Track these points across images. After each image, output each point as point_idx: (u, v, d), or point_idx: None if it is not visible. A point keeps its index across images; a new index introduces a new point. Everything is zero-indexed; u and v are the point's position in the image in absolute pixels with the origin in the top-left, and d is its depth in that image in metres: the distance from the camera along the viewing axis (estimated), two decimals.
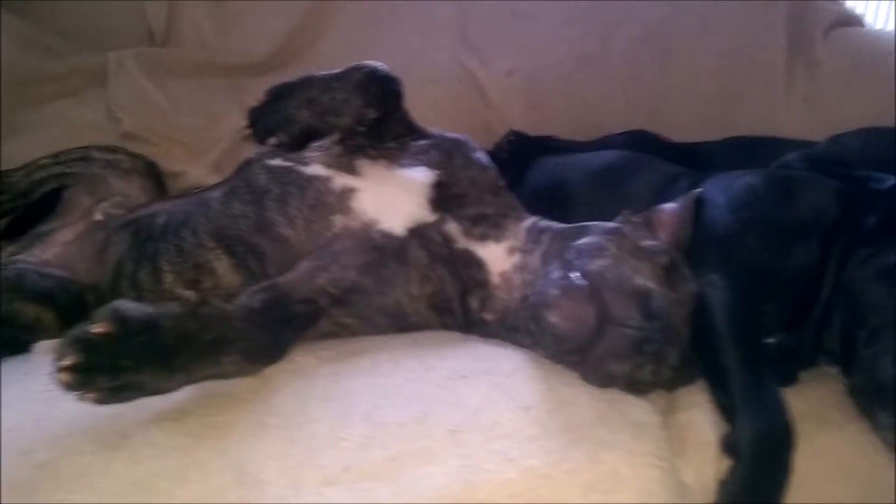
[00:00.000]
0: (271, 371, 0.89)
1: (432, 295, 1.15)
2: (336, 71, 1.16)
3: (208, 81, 2.07)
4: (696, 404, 1.02)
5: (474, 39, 2.03)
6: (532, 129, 1.97)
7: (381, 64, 1.17)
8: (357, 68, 1.16)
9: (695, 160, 1.79)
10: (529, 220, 1.26)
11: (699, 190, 1.31)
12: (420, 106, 1.95)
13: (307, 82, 1.17)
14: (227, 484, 0.71)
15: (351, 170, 1.20)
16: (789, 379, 1.13)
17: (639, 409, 0.92)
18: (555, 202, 1.49)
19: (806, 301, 1.15)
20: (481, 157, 1.31)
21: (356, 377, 0.89)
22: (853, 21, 2.17)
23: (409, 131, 1.29)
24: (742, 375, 1.01)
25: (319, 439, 0.76)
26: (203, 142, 1.84)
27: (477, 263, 1.18)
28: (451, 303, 1.17)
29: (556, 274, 1.03)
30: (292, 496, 0.68)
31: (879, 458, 0.99)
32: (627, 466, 0.79)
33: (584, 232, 1.15)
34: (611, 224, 1.16)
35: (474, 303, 1.17)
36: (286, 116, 1.16)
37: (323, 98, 1.16)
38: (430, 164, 1.23)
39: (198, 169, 1.77)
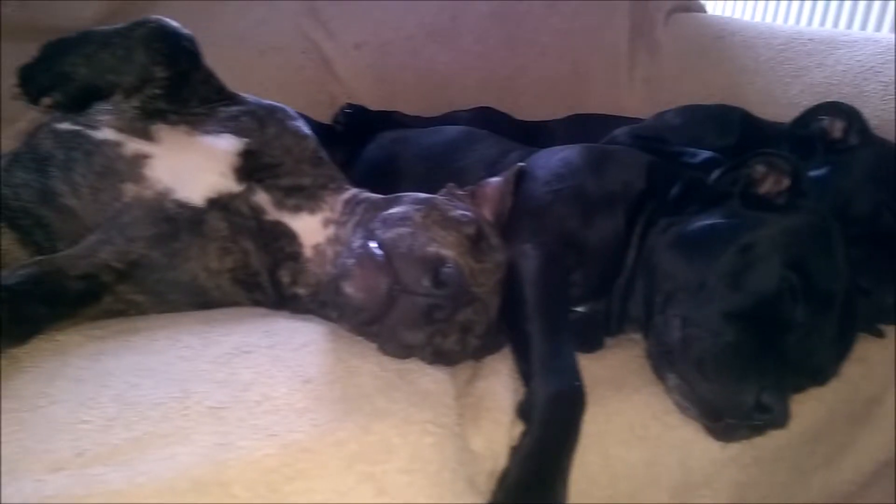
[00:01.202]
0: (24, 350, 0.81)
1: (235, 269, 1.09)
2: (119, 25, 1.07)
3: (28, 45, 1.89)
4: (497, 372, 1.02)
5: (321, 10, 1.96)
6: (380, 104, 1.94)
7: (169, 19, 1.09)
8: (141, 23, 1.07)
9: (538, 137, 1.82)
10: (349, 192, 1.22)
11: (521, 164, 1.32)
12: (261, 77, 1.89)
13: (85, 37, 1.07)
14: None
15: (146, 135, 1.11)
16: (595, 345, 1.17)
17: (428, 379, 0.90)
18: (387, 177, 1.46)
19: (612, 270, 1.18)
20: (299, 126, 1.25)
21: (122, 356, 0.82)
22: (693, 7, 2.28)
23: (218, 96, 1.21)
24: (542, 342, 1.02)
25: (55, 422, 0.69)
26: (13, 108, 1.66)
27: (288, 236, 1.13)
28: (258, 277, 1.12)
29: (356, 244, 0.99)
30: (6, 485, 0.61)
31: (670, 419, 1.02)
32: (399, 435, 0.77)
33: (396, 202, 1.13)
34: (423, 195, 1.14)
35: (285, 277, 1.12)
36: (61, 73, 1.06)
37: (102, 54, 1.07)
38: (237, 132, 1.16)
39: (5, 139, 1.60)
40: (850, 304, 1.05)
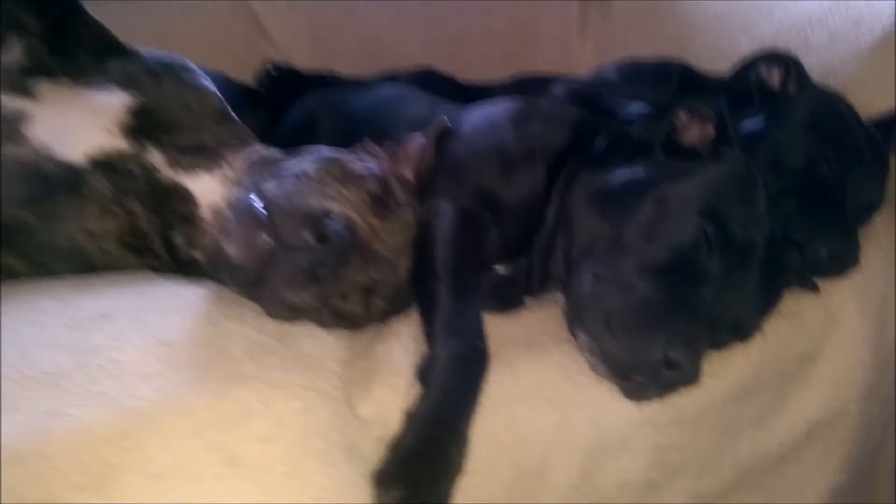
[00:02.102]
0: None
1: (120, 232, 1.03)
2: None
3: None
4: (397, 334, 0.96)
5: None
6: (316, 65, 1.85)
7: None
8: None
9: (482, 100, 1.74)
10: (254, 150, 1.15)
11: (443, 119, 1.25)
12: (183, 37, 1.80)
13: None
14: None
15: (25, 91, 1.03)
16: (514, 306, 1.11)
17: (312, 342, 0.84)
18: (310, 139, 1.39)
19: (531, 228, 1.11)
20: (200, 80, 1.18)
21: None
22: None
23: (109, 49, 1.13)
24: (447, 302, 0.96)
25: None
26: None
27: (182, 196, 1.06)
28: (148, 241, 1.05)
29: (238, 199, 0.93)
30: None
31: (582, 380, 0.96)
32: (261, 400, 0.71)
33: (296, 157, 1.06)
34: (328, 150, 1.08)
35: (179, 240, 1.05)
36: None
37: None
38: (129, 87, 1.09)
39: None
40: (774, 256, 1.00)
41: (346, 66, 1.89)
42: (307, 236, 0.85)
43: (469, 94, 1.80)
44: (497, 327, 1.03)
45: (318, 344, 0.85)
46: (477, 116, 1.29)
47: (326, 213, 0.88)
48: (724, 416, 1.04)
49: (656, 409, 0.98)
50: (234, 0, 1.81)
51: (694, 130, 1.05)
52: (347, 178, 1.01)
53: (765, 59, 1.27)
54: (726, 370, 1.02)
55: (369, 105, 1.50)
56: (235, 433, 0.68)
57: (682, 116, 1.05)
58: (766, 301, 0.99)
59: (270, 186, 0.92)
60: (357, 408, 0.84)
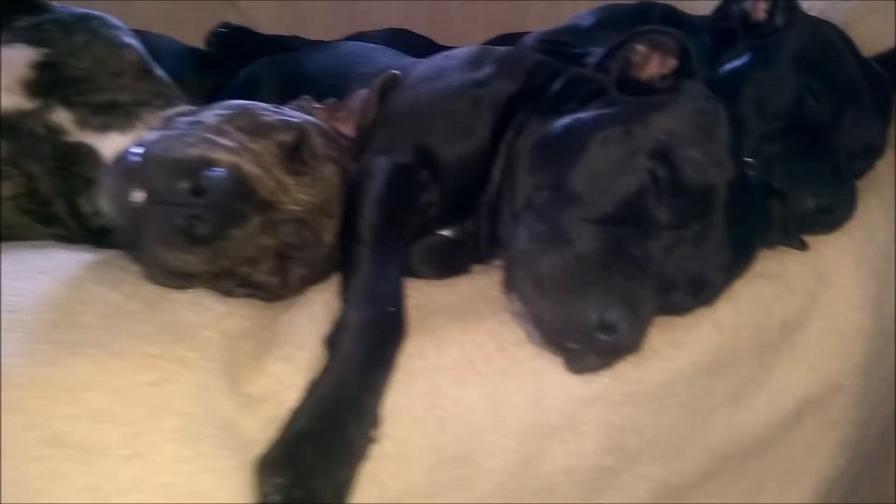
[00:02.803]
0: None
1: (18, 196, 0.94)
2: None
3: None
4: (309, 302, 0.86)
5: None
6: (285, 31, 1.75)
7: None
8: None
9: None
10: (176, 109, 1.05)
11: (391, 71, 1.14)
12: (147, 9, 1.72)
13: None
14: None
15: None
16: (459, 272, 0.99)
17: (193, 310, 0.74)
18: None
19: (476, 186, 0.99)
20: (116, 34, 1.09)
21: None
22: None
23: (23, 6, 1.05)
24: (366, 265, 0.85)
25: None
26: None
27: (90, 158, 0.97)
28: (51, 207, 0.97)
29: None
30: None
31: (521, 351, 0.84)
32: (99, 372, 0.61)
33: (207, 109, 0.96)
34: (238, 101, 0.97)
35: (86, 206, 0.97)
36: None
37: None
38: (33, 42, 1.00)
39: None
40: (749, 206, 0.85)
41: (316, 32, 1.79)
42: (182, 188, 0.75)
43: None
44: (429, 295, 0.91)
45: (199, 311, 0.74)
46: (427, 64, 1.17)
47: (207, 162, 0.77)
48: (691, 393, 0.90)
49: (608, 384, 0.85)
50: None
51: (655, 63, 0.92)
52: (256, 129, 0.90)
53: None
54: (692, 339, 0.88)
55: (325, 64, 1.39)
56: (62, 409, 0.58)
57: (639, 48, 0.92)
58: (736, 258, 0.84)
59: (152, 136, 0.82)
60: (244, 384, 0.74)
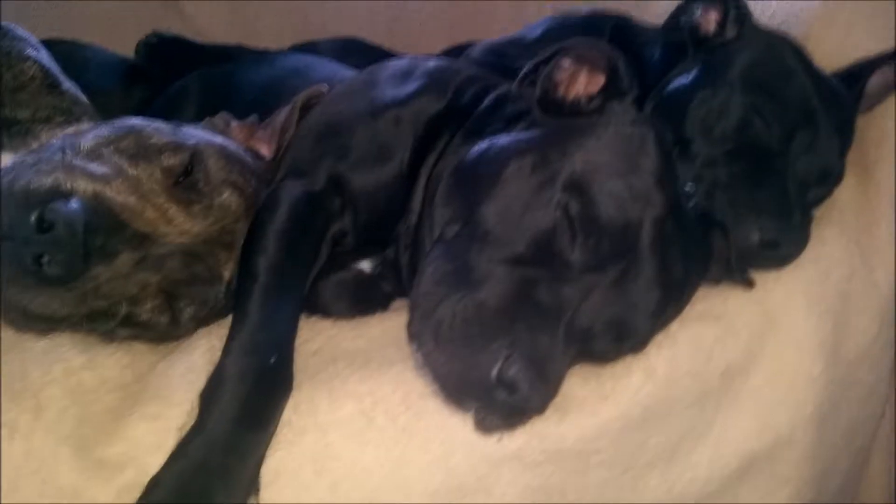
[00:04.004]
0: None
1: None
2: None
3: None
4: (191, 349, 0.77)
5: None
6: (234, 39, 1.66)
7: None
8: None
9: None
10: (77, 127, 0.97)
11: (316, 86, 1.05)
12: (81, 11, 1.64)
13: None
14: None
15: None
16: (376, 309, 0.90)
17: (41, 361, 0.66)
18: (171, 116, 1.20)
19: (394, 213, 0.91)
20: (20, 48, 1.01)
21: None
22: None
23: None
24: (256, 308, 0.77)
25: None
26: None
27: None
28: None
29: None
30: None
31: (427, 404, 0.75)
32: None
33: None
34: (136, 119, 0.89)
35: None
36: None
37: None
38: None
39: None
40: (677, 241, 0.76)
41: (267, 39, 1.70)
42: (28, 223, 0.66)
43: None
44: (331, 338, 0.83)
45: (48, 364, 0.66)
46: (352, 78, 1.09)
47: (60, 193, 0.68)
48: (620, 449, 0.81)
49: (525, 442, 0.76)
50: None
51: (581, 81, 0.83)
52: (140, 152, 0.82)
53: None
54: (620, 389, 0.79)
55: (257, 78, 1.30)
56: None
57: (566, 64, 0.83)
58: (665, 300, 0.75)
59: (9, 163, 0.73)
60: (98, 448, 0.65)
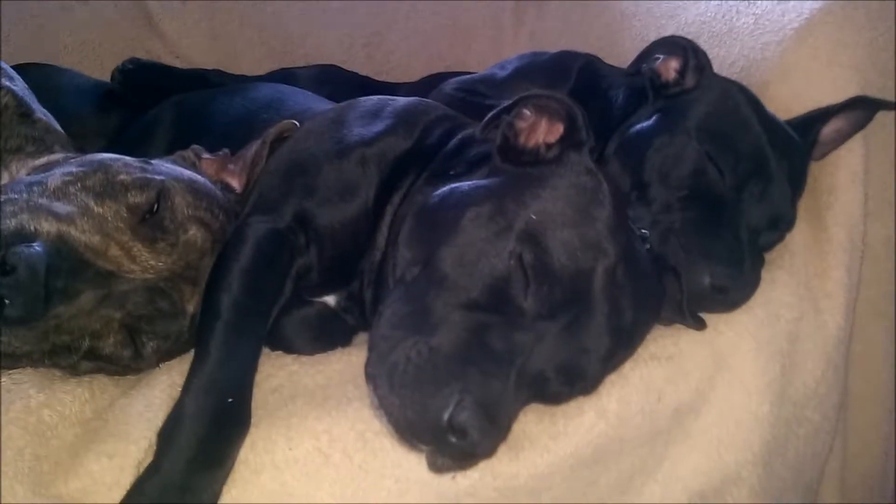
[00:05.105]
0: None
1: None
2: None
3: None
4: (152, 384, 0.78)
5: None
6: (215, 64, 1.68)
7: None
8: None
9: None
10: (49, 157, 0.99)
11: (286, 121, 1.07)
12: (61, 35, 1.64)
13: None
14: None
15: None
16: (340, 344, 0.93)
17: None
18: (143, 145, 1.22)
19: (357, 250, 0.93)
20: None
21: None
22: None
23: None
24: (216, 346, 0.79)
25: None
26: None
27: None
28: None
29: None
30: None
31: (383, 443, 0.77)
32: None
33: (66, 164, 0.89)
34: (99, 156, 0.91)
35: None
36: None
37: None
38: None
39: None
40: (630, 287, 0.79)
41: (249, 66, 1.73)
42: None
43: (373, 92, 1.62)
44: (291, 375, 0.85)
45: (6, 403, 0.67)
46: (323, 114, 1.10)
47: (23, 236, 0.70)
48: (572, 487, 0.83)
49: (478, 480, 0.78)
50: None
51: (541, 129, 0.86)
52: (107, 189, 0.84)
53: (661, 46, 1.06)
54: (572, 428, 0.82)
55: (231, 108, 1.31)
56: None
57: (527, 112, 0.86)
58: (616, 345, 0.78)
59: None
60: (55, 484, 0.67)
